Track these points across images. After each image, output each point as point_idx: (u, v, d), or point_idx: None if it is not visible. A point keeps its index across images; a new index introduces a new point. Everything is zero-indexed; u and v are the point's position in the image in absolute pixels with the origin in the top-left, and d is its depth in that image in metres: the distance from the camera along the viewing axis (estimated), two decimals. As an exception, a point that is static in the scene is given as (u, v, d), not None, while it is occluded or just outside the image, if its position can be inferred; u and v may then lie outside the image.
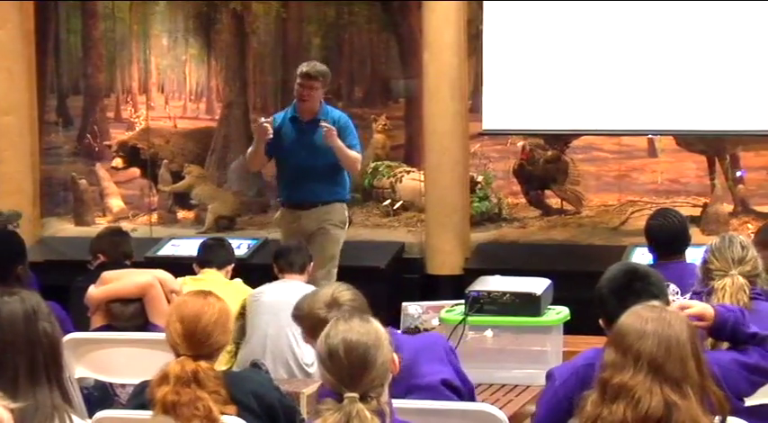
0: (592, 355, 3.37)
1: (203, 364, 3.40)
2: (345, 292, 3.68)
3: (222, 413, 3.37)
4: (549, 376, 3.48)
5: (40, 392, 2.82)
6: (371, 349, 2.85)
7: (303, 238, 6.55)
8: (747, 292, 4.00)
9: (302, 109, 6.83)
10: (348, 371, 2.82)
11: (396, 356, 2.96)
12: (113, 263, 5.69)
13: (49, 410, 2.81)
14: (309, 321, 3.65)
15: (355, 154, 6.79)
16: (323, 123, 6.65)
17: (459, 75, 8.09)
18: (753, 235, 5.66)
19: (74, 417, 2.88)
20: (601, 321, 3.46)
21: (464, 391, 3.67)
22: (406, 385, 3.54)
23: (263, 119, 6.79)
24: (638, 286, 3.45)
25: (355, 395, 2.79)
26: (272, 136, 6.70)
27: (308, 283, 6.24)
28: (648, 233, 5.44)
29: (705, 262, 4.14)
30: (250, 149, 7.03)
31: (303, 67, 6.85)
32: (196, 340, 3.44)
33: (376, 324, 2.96)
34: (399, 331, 4.53)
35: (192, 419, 3.32)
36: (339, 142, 6.66)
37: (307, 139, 6.76)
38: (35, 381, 2.83)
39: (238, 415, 3.42)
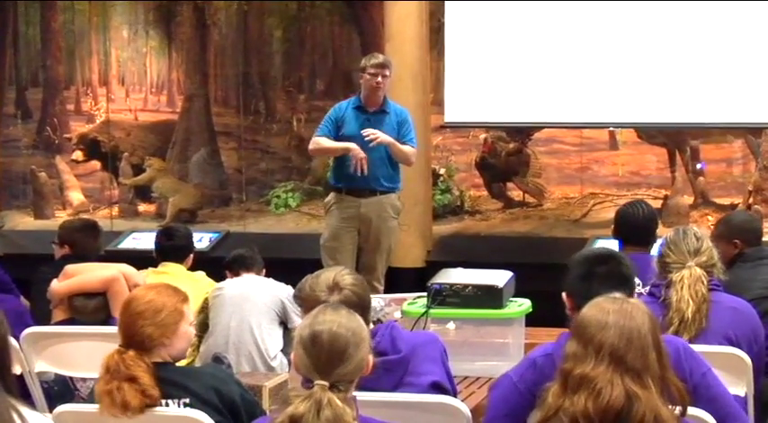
0: (547, 347, 3.37)
1: (131, 352, 3.40)
2: (347, 277, 3.60)
3: (150, 405, 3.36)
4: (503, 377, 3.44)
5: None
6: (353, 345, 2.87)
7: (360, 225, 6.95)
8: (705, 282, 4.04)
9: (371, 98, 6.95)
10: (327, 358, 2.83)
11: (371, 358, 2.96)
12: (77, 256, 5.62)
13: None
14: (310, 303, 3.59)
15: (409, 148, 6.96)
16: (366, 137, 6.79)
17: (421, 67, 8.10)
18: (712, 227, 5.67)
19: (28, 411, 2.82)
20: (564, 296, 3.43)
21: (451, 393, 3.67)
22: (399, 379, 3.54)
23: (363, 155, 6.85)
24: (611, 262, 3.44)
25: (326, 383, 2.79)
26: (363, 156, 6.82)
27: (364, 269, 6.87)
28: (619, 220, 5.42)
29: (661, 255, 4.16)
30: (328, 146, 6.98)
31: (372, 59, 6.96)
32: (125, 330, 3.46)
33: (361, 321, 2.97)
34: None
35: (124, 410, 3.33)
36: (389, 139, 6.86)
37: (371, 128, 6.86)
38: None
39: (198, 408, 3.40)
